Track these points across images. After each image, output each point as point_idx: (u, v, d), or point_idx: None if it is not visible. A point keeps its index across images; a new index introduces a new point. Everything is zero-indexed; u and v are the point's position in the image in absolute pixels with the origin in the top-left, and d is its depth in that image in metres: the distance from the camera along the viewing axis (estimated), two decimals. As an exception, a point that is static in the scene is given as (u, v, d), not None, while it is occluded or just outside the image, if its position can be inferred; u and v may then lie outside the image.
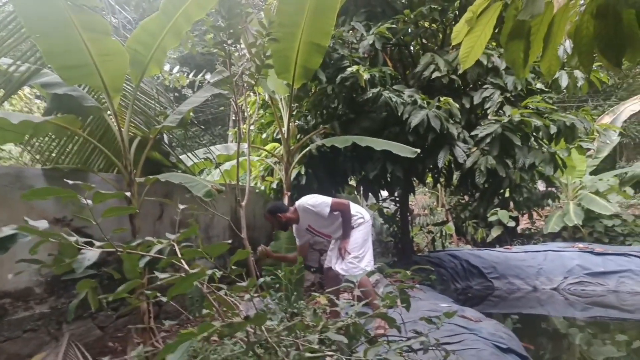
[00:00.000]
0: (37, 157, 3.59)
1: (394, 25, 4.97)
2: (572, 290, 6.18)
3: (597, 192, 8.98)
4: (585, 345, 4.60)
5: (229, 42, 3.29)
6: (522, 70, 1.70)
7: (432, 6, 4.85)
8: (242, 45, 4.08)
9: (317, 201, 3.38)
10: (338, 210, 3.37)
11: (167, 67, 4.96)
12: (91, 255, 1.18)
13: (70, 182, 1.27)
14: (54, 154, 3.62)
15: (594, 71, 4.90)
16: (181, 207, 1.63)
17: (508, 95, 4.91)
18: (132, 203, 2.87)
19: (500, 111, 4.88)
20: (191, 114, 3.54)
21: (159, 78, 4.78)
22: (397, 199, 6.91)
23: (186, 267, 1.27)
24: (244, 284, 1.26)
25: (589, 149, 8.90)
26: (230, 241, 1.29)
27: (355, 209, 3.48)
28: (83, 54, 2.79)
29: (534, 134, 4.89)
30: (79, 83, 3.20)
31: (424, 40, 5.87)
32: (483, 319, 3.53)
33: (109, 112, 3.30)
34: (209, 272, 1.21)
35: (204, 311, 1.62)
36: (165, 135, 4.21)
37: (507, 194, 5.78)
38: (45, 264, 1.26)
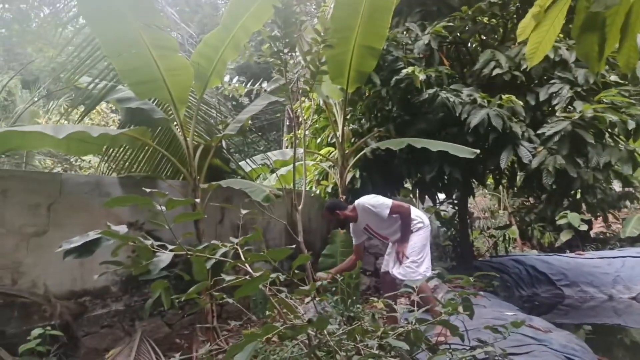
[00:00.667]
0: (113, 166, 3.90)
1: (450, 24, 4.82)
2: (655, 300, 5.61)
3: (684, 193, 8.08)
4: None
5: (285, 50, 3.38)
6: (597, 64, 1.57)
7: (492, 0, 4.65)
8: (297, 53, 4.17)
9: (377, 202, 3.35)
10: (398, 213, 3.31)
11: (226, 78, 5.19)
12: (165, 257, 1.27)
13: (147, 190, 1.37)
14: (127, 163, 3.92)
15: (678, 60, 4.42)
16: (244, 211, 1.70)
17: (579, 89, 4.57)
18: (197, 208, 3.03)
19: (570, 107, 4.56)
20: (249, 121, 3.68)
21: (219, 88, 5.01)
22: (455, 201, 6.67)
23: (249, 270, 1.32)
24: (306, 288, 1.29)
25: (674, 145, 8.04)
26: (293, 246, 1.32)
27: (415, 213, 3.41)
28: (153, 69, 3.00)
29: (609, 130, 4.51)
30: (149, 97, 3.44)
31: (482, 37, 5.64)
32: (553, 329, 3.31)
33: (175, 123, 3.52)
34: (273, 275, 1.24)
35: (267, 313, 1.67)
36: (224, 143, 4.41)
37: (578, 196, 5.38)
38: (126, 265, 1.37)
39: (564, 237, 8.42)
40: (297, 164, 4.49)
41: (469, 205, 7.48)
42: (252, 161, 4.16)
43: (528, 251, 8.84)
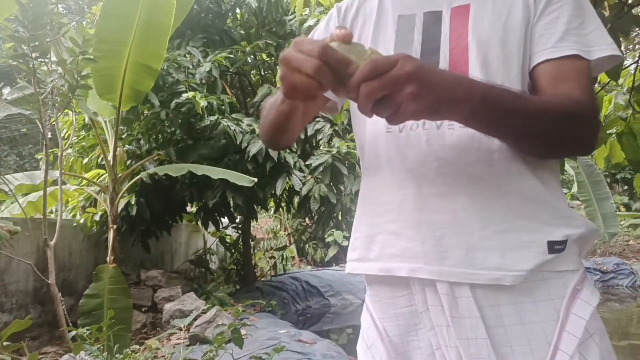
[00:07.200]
0: None
1: (231, 55, 5.01)
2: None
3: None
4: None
5: (34, 55, 2.81)
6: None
7: (268, 41, 5.08)
8: (56, 59, 3.55)
9: None
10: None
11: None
12: None
13: None
14: None
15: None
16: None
17: (337, 128, 5.42)
18: None
19: (331, 143, 5.35)
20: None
21: None
22: (239, 225, 6.86)
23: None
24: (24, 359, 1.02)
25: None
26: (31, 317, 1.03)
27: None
28: None
29: (359, 163, 5.49)
30: None
31: (262, 72, 6.08)
32: (317, 340, 3.71)
33: None
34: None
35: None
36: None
37: (340, 217, 6.33)
38: None
39: (331, 252, 9.73)
40: (51, 188, 3.75)
41: (254, 227, 7.81)
42: (-18, 186, 3.24)
43: (304, 267, 9.82)
